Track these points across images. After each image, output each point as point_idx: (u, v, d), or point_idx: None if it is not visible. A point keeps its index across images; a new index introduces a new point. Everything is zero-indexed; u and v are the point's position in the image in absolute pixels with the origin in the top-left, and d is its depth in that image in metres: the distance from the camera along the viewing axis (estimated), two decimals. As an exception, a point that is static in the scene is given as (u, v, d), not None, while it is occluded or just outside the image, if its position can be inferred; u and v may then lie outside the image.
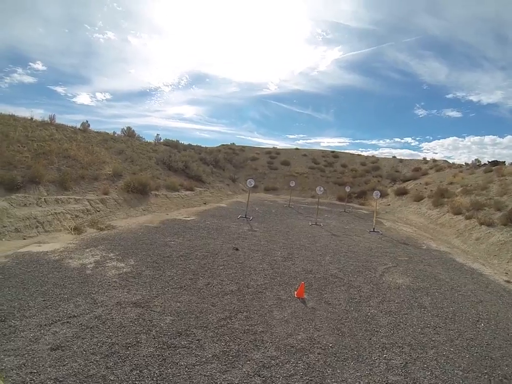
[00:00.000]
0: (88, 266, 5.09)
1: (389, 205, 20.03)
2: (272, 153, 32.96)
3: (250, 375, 3.09)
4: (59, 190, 8.50)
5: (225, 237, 7.80)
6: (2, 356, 2.98)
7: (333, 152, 35.26)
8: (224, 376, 3.04)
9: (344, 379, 3.13)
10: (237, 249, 6.75)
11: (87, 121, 15.73)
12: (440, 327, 4.22)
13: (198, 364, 3.17)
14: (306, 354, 3.46)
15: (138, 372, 2.99)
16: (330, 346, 3.62)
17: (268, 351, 3.47)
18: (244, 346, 3.51)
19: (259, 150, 34.37)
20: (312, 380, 3.09)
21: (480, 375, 3.32)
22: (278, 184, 25.08)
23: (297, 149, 36.54)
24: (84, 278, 4.69)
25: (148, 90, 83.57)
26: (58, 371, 2.88)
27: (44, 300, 3.99)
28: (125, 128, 19.75)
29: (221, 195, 16.48)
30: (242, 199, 13.67)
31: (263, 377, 3.07)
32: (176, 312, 4.05)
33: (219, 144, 35.19)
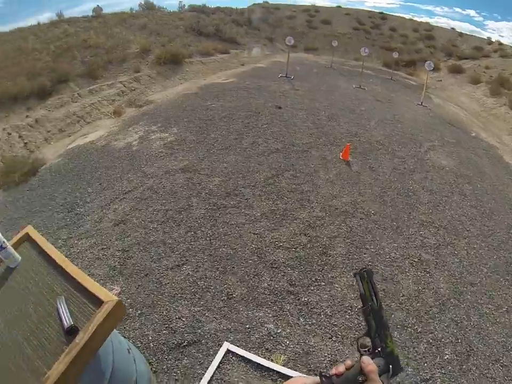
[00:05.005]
0: (134, 143, 5.21)
1: (440, 80, 17.96)
2: (311, 11, 28.54)
3: (297, 234, 3.29)
4: (89, 81, 8.31)
5: (267, 96, 7.41)
6: (76, 241, 3.36)
7: (380, 13, 30.30)
8: (272, 234, 3.26)
9: (382, 247, 3.29)
10: (280, 108, 6.48)
11: (98, 5, 14.00)
12: (476, 220, 4.14)
13: (247, 222, 3.39)
14: (349, 218, 3.59)
15: (192, 233, 3.28)
16: (372, 213, 3.74)
17: (313, 211, 3.62)
18: (291, 205, 3.66)
19: (295, 8, 30.14)
20: (353, 243, 3.28)
21: (502, 279, 3.33)
22: (318, 44, 22.45)
23: (339, 7, 31.52)
24: (131, 155, 4.85)
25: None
26: (123, 242, 3.25)
27: (99, 184, 4.27)
28: (142, 2, 17.75)
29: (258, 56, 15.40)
30: (281, 59, 12.61)
31: (308, 236, 3.26)
32: (223, 173, 4.19)
33: (251, 4, 31.13)
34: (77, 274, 1.42)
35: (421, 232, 3.60)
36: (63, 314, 1.23)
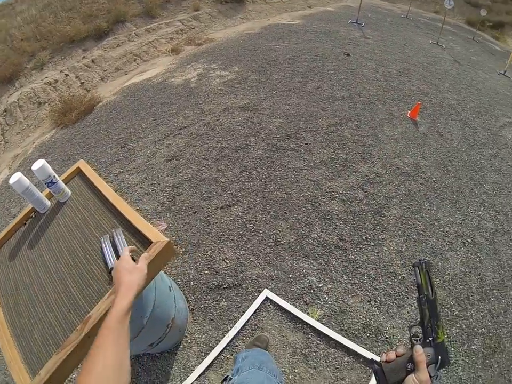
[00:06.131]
0: (192, 80, 5.13)
1: (530, 52, 15.87)
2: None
3: (354, 187, 3.20)
4: (146, 20, 8.25)
5: (335, 41, 6.99)
6: (127, 176, 3.40)
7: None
8: (329, 184, 3.18)
9: (437, 219, 3.12)
10: (348, 55, 6.13)
11: None
12: None
13: (305, 168, 3.32)
14: (409, 181, 3.43)
15: (247, 173, 3.24)
16: (434, 181, 3.53)
17: (374, 166, 3.50)
18: (352, 156, 3.56)
19: None
20: (409, 208, 3.14)
21: None
22: (394, -10, 20.59)
23: None
24: (189, 91, 4.80)
25: None
26: (175, 178, 3.26)
27: (154, 120, 4.28)
28: None
29: (327, -2, 14.30)
30: (352, 4, 11.62)
31: (365, 192, 3.17)
32: (285, 114, 4.08)
33: None
34: (127, 212, 1.36)
35: (479, 213, 3.35)
36: (107, 254, 1.20)
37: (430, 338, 0.65)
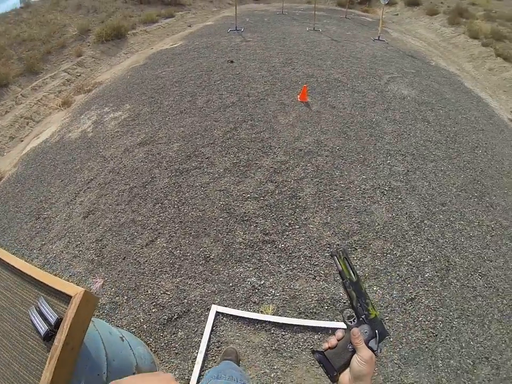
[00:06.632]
0: (88, 130, 5.01)
1: (397, 14, 17.55)
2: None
3: (263, 182, 3.31)
4: (30, 78, 7.78)
5: (218, 52, 7.18)
6: (50, 246, 3.28)
7: None
8: (238, 188, 3.27)
9: (351, 181, 3.36)
10: (232, 62, 6.32)
11: (25, -5, 13.08)
12: (441, 144, 4.23)
13: (211, 181, 3.38)
14: (314, 157, 3.63)
15: (160, 205, 3.25)
16: (338, 149, 3.77)
17: (277, 156, 3.64)
18: (253, 155, 3.68)
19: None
20: (321, 181, 3.32)
21: (470, 196, 3.48)
22: (266, -8, 21.59)
23: None
24: (88, 142, 4.69)
25: None
26: (96, 232, 3.20)
27: (61, 181, 4.14)
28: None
29: (205, 14, 14.48)
30: (229, 13, 12.06)
31: (275, 182, 3.29)
32: (181, 137, 4.13)
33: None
34: (42, 277, 1.39)
35: (388, 161, 3.67)
36: (37, 324, 1.23)
37: (363, 316, 0.68)
